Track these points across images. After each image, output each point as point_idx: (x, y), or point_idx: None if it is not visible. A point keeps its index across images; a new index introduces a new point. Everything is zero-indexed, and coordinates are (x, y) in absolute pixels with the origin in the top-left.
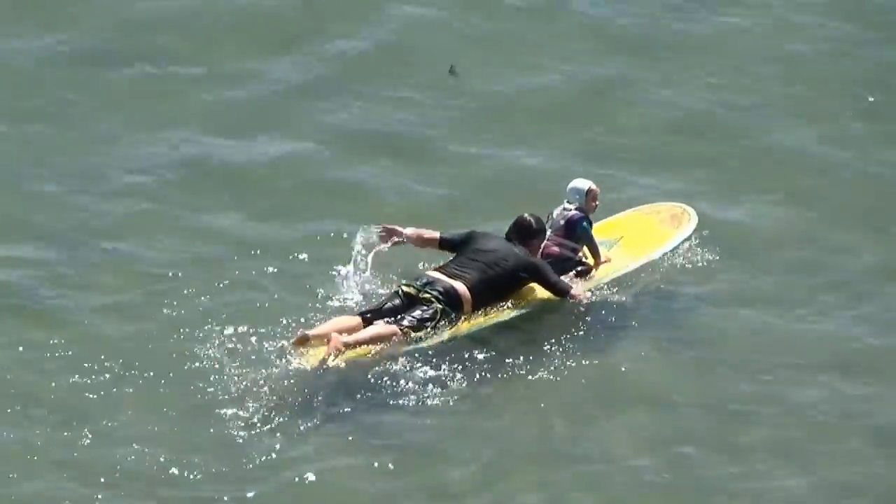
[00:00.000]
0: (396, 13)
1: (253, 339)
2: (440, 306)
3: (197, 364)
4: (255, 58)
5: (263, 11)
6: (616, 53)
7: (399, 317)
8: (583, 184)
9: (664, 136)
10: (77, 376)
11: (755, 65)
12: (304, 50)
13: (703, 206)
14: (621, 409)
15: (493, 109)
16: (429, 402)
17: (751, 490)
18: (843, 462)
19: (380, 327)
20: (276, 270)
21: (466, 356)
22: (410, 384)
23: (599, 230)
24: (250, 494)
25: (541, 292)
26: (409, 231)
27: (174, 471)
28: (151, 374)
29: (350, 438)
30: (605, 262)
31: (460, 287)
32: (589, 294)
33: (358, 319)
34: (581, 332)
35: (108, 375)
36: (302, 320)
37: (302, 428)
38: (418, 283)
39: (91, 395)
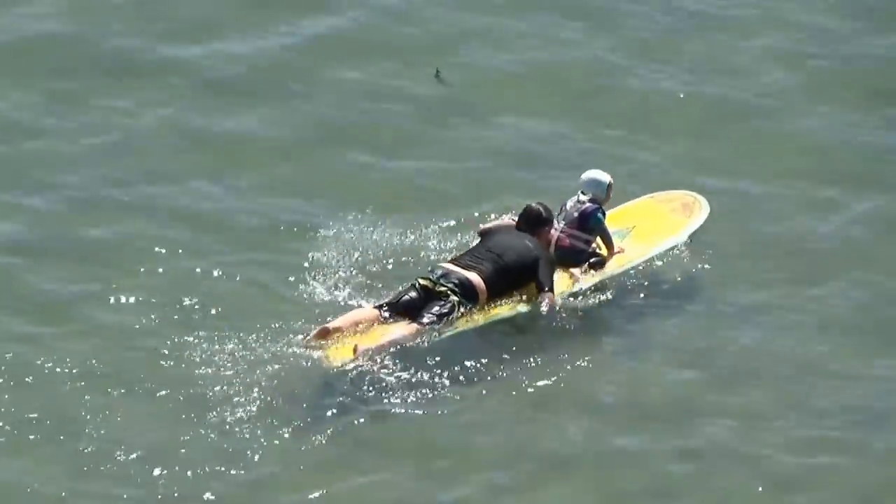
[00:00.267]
0: None
1: (244, 336)
2: (456, 299)
3: (195, 363)
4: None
5: None
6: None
7: (419, 314)
8: (603, 176)
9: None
10: (68, 377)
11: (768, 50)
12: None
13: (713, 193)
14: (620, 416)
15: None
16: (427, 403)
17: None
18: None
19: (403, 329)
20: (271, 267)
21: (466, 356)
22: (404, 387)
23: (611, 219)
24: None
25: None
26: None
27: (166, 472)
28: (143, 375)
29: (335, 443)
30: (619, 252)
31: (475, 278)
32: (559, 302)
33: (375, 312)
34: (582, 333)
35: (98, 375)
36: (303, 320)
37: (303, 427)
38: (433, 275)
39: (82, 397)
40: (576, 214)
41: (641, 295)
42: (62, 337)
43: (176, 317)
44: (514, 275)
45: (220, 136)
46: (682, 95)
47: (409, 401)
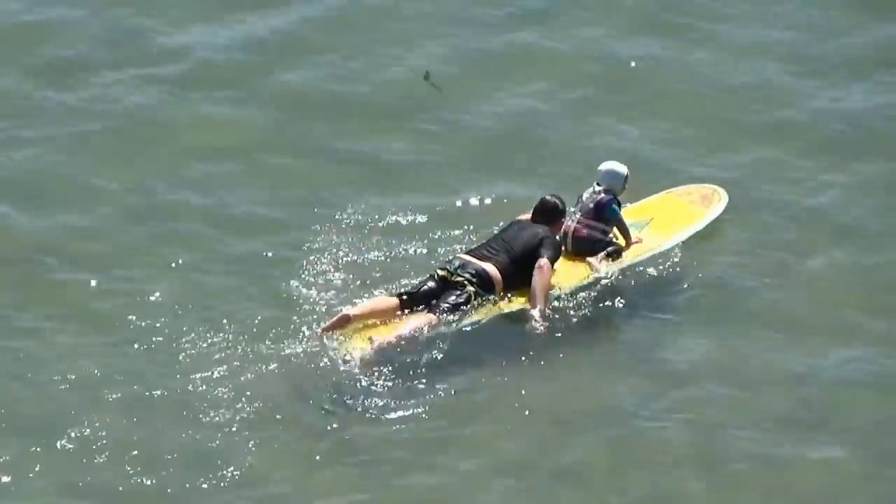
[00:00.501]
0: None
1: (248, 332)
2: (473, 289)
3: (195, 364)
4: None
5: None
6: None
7: (434, 303)
8: (620, 168)
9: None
10: (56, 381)
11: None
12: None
13: (731, 185)
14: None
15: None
16: (426, 405)
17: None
18: None
19: (419, 319)
20: (270, 264)
21: (467, 356)
22: (409, 389)
23: (630, 213)
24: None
25: (563, 279)
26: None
27: (166, 472)
28: (140, 375)
29: (345, 442)
30: (637, 242)
31: (491, 269)
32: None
33: (395, 301)
34: (582, 335)
35: (98, 375)
36: (299, 320)
37: (301, 428)
38: (451, 266)
39: (82, 397)
40: (591, 205)
41: (658, 297)
42: (62, 334)
43: (175, 316)
44: (524, 262)
45: (220, 135)
46: (679, 77)
47: (415, 401)
